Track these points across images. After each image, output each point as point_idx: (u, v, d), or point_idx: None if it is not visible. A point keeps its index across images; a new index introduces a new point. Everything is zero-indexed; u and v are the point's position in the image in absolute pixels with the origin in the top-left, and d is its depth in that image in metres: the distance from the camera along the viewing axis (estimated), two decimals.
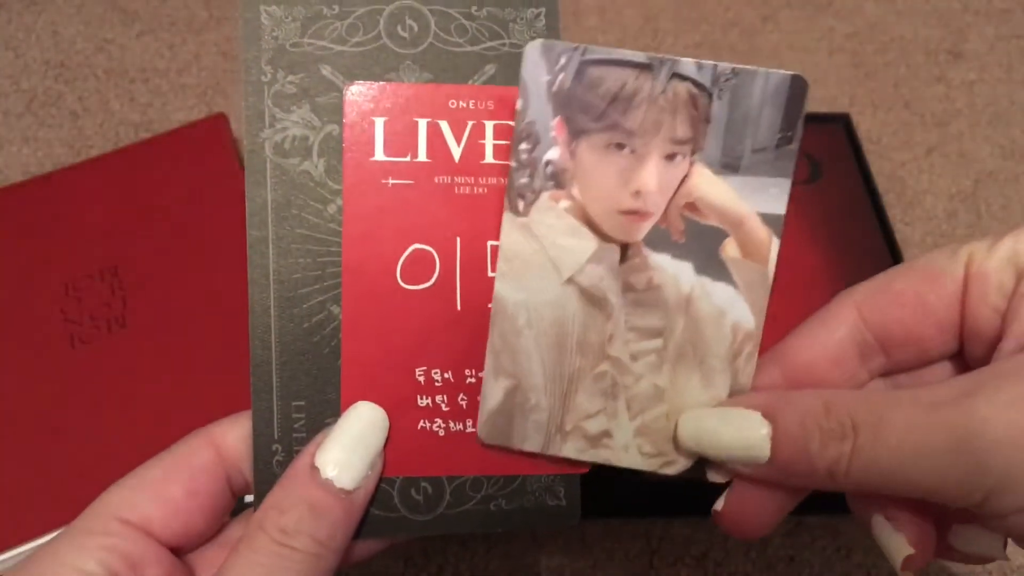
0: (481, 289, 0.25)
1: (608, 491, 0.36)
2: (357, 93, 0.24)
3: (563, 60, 0.23)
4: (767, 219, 0.25)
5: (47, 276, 0.42)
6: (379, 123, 0.24)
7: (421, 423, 0.25)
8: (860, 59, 0.57)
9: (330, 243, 0.24)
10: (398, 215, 0.24)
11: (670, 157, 0.24)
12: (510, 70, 0.24)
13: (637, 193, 0.24)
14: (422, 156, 0.24)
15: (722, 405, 0.24)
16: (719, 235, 0.24)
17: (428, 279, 0.24)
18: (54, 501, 0.35)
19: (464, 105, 0.24)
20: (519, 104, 0.23)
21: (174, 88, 0.55)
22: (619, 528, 0.37)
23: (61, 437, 0.37)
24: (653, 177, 0.24)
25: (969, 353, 0.24)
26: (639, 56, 0.23)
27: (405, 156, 0.24)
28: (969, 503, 0.20)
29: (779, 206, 0.25)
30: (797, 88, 0.24)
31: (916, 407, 0.21)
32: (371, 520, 0.24)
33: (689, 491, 0.36)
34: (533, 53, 0.23)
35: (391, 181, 0.24)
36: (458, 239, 0.24)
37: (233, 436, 0.25)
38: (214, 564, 0.24)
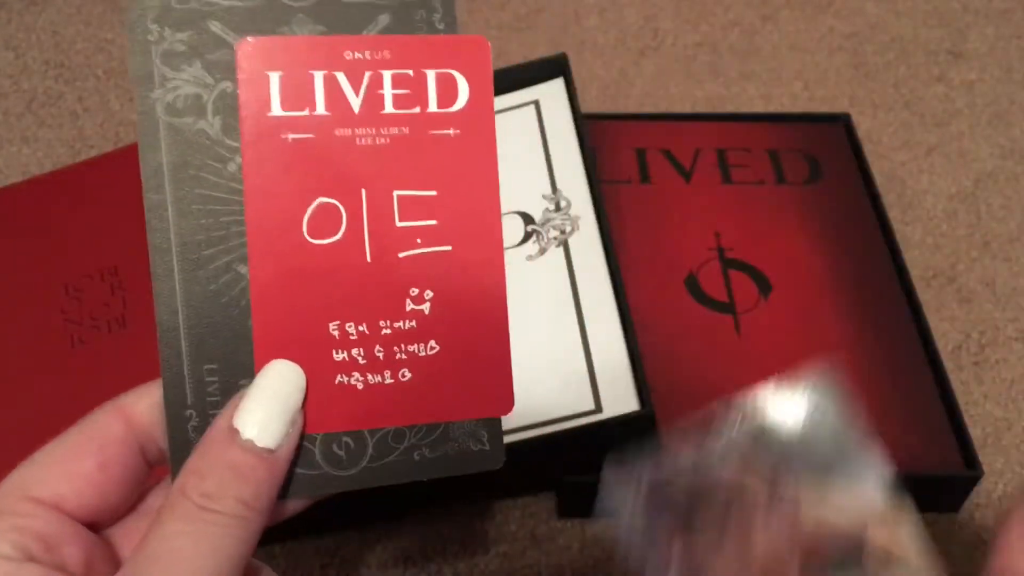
0: (390, 239, 0.25)
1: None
2: (249, 48, 0.24)
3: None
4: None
5: (47, 276, 0.42)
6: (274, 78, 0.24)
7: (339, 378, 0.25)
8: (860, 59, 0.57)
9: (232, 202, 0.24)
10: (300, 170, 0.24)
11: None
12: (403, 18, 0.25)
13: None
14: (320, 109, 0.24)
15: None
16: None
17: (335, 233, 0.24)
18: None
19: (360, 56, 0.24)
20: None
21: None
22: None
23: None
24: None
25: None
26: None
27: (303, 110, 0.24)
28: None
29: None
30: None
31: None
32: (295, 479, 0.24)
33: None
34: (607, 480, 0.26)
35: (290, 136, 0.24)
36: (363, 191, 0.24)
37: (143, 405, 0.25)
38: (135, 536, 0.24)
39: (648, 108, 0.54)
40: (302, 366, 0.24)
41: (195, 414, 0.24)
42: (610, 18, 0.59)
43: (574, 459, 0.36)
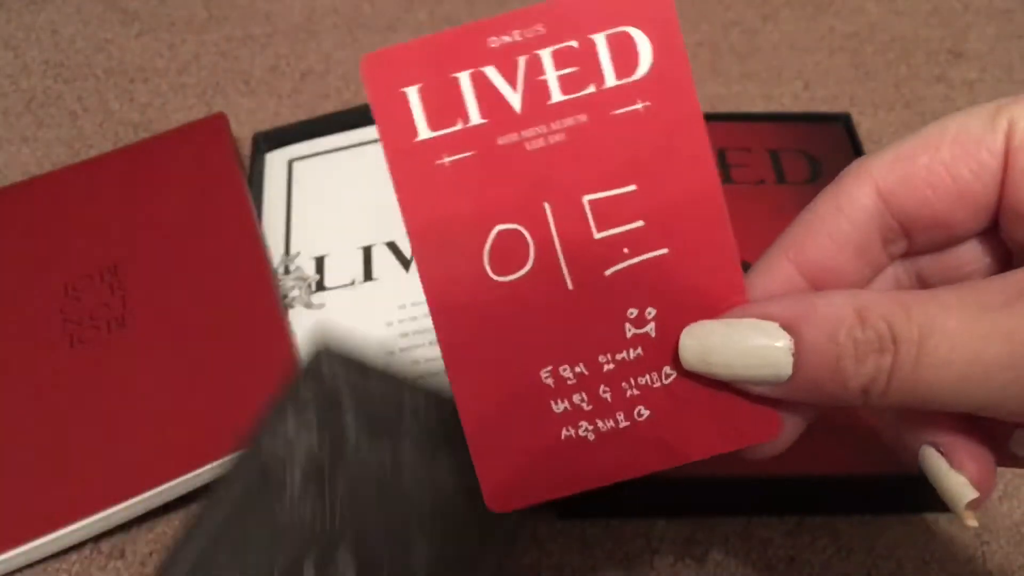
0: (591, 256, 0.20)
1: (608, 491, 0.36)
2: (374, 63, 0.19)
3: None
4: None
5: (47, 276, 0.42)
6: (412, 94, 0.20)
7: (565, 432, 0.21)
8: (861, 59, 0.56)
9: None
10: (466, 198, 0.20)
11: None
12: None
13: None
14: (475, 119, 0.20)
15: (733, 314, 0.20)
16: None
17: (524, 263, 0.20)
18: (54, 501, 0.35)
19: (508, 39, 0.20)
20: None
21: (173, 88, 0.55)
22: (619, 528, 0.37)
23: (61, 437, 0.37)
24: None
25: (1007, 232, 0.21)
26: None
27: (455, 124, 0.20)
28: None
29: None
30: None
31: (965, 312, 0.18)
32: None
33: (689, 491, 0.36)
34: None
35: (447, 159, 0.20)
36: (547, 205, 0.20)
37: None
38: None
39: None
40: (518, 427, 0.21)
41: None
42: None
43: None
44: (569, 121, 0.20)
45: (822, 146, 0.48)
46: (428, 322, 0.39)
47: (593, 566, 0.36)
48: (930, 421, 0.21)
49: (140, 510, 0.36)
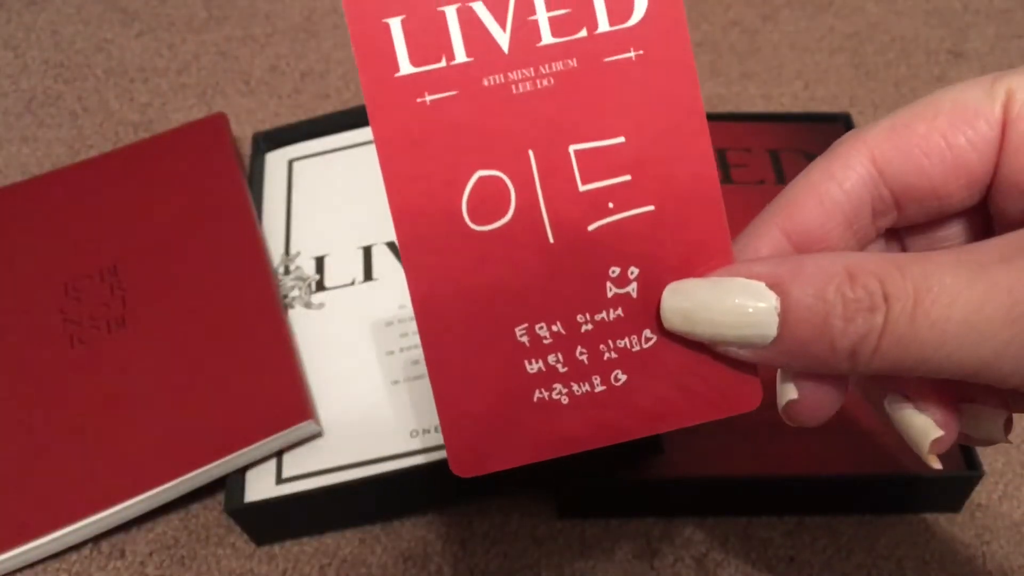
0: (574, 209, 0.19)
1: (608, 491, 0.36)
2: None
3: None
4: None
5: (47, 276, 0.42)
6: (395, 25, 0.18)
7: (537, 394, 0.20)
8: (861, 59, 0.56)
9: None
10: (447, 139, 0.19)
11: None
12: None
13: None
14: (460, 56, 0.19)
15: (718, 273, 0.20)
16: None
17: (504, 213, 0.19)
18: (54, 501, 0.35)
19: None
20: None
21: (173, 88, 0.55)
22: (619, 528, 0.37)
23: (61, 437, 0.37)
24: None
25: (998, 204, 0.21)
26: None
27: (439, 61, 0.19)
28: None
29: None
30: None
31: (963, 269, 0.17)
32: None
33: (689, 491, 0.36)
34: None
35: (428, 97, 0.19)
36: (531, 153, 0.19)
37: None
38: None
39: None
40: (488, 387, 0.20)
41: None
42: None
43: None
44: (559, 65, 0.19)
45: (822, 146, 0.48)
46: None
47: (593, 566, 0.36)
48: (903, 380, 0.21)
49: (140, 510, 0.36)
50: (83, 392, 0.38)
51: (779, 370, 0.21)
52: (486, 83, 0.19)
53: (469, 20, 0.19)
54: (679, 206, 0.20)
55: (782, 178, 0.46)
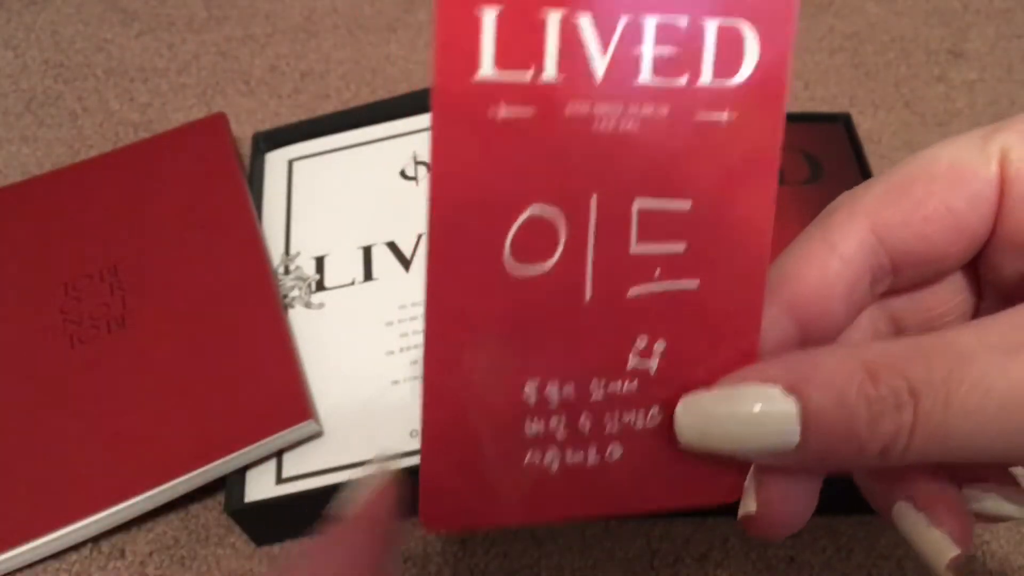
0: (621, 270, 0.18)
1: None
2: None
3: None
4: None
5: (46, 276, 0.42)
6: (488, 18, 0.15)
7: (529, 456, 0.18)
8: (861, 59, 0.56)
9: None
10: (510, 165, 0.16)
11: None
12: None
13: None
14: (550, 72, 0.16)
15: (728, 381, 0.19)
16: None
17: (548, 257, 0.17)
18: (54, 501, 0.35)
19: None
20: None
21: (173, 88, 0.55)
22: (619, 528, 0.37)
23: (61, 437, 0.37)
24: None
25: (990, 262, 0.21)
26: None
27: (526, 71, 0.16)
28: None
29: None
30: None
31: (991, 356, 0.16)
32: None
33: None
34: None
35: (502, 112, 0.16)
36: (594, 199, 0.17)
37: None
38: None
39: None
40: (482, 440, 0.18)
41: None
42: None
43: None
44: (648, 110, 0.17)
45: (822, 146, 0.48)
46: None
47: (593, 566, 0.36)
48: (904, 474, 0.20)
49: (140, 510, 0.36)
50: (83, 392, 0.38)
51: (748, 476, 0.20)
52: (568, 111, 0.16)
53: (570, 33, 0.16)
54: (723, 287, 0.18)
55: (782, 178, 0.46)
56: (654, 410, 0.19)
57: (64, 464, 0.36)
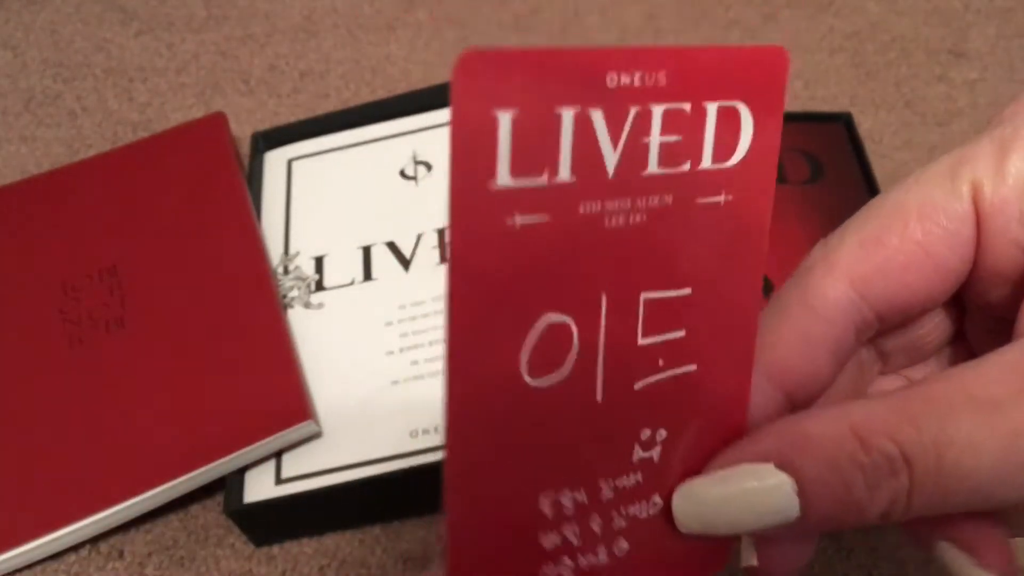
0: (629, 365, 0.17)
1: None
2: (473, 65, 0.14)
3: None
4: None
5: (46, 276, 0.42)
6: (504, 122, 0.14)
7: (545, 570, 0.18)
8: (861, 58, 0.56)
9: None
10: (525, 274, 0.15)
11: None
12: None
13: None
14: (564, 174, 0.15)
15: (719, 463, 0.18)
16: None
17: (561, 364, 0.16)
18: (52, 501, 0.35)
19: (626, 81, 0.15)
20: None
21: (173, 87, 0.55)
22: None
23: (59, 437, 0.37)
24: None
25: (973, 292, 0.20)
26: None
27: (539, 175, 0.15)
28: None
29: None
30: None
31: (979, 415, 0.16)
32: None
33: None
34: None
35: (519, 220, 0.15)
36: (603, 297, 0.16)
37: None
38: None
39: None
40: (500, 560, 0.17)
41: None
42: (611, 16, 0.59)
43: None
44: (655, 201, 0.16)
45: (822, 146, 0.48)
46: (427, 322, 0.39)
47: None
48: (945, 522, 0.20)
49: (139, 511, 0.36)
50: (81, 392, 0.38)
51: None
52: (582, 210, 0.16)
53: (583, 130, 0.15)
54: (717, 367, 0.18)
55: (783, 178, 0.46)
56: (655, 498, 0.19)
57: (63, 464, 0.36)
